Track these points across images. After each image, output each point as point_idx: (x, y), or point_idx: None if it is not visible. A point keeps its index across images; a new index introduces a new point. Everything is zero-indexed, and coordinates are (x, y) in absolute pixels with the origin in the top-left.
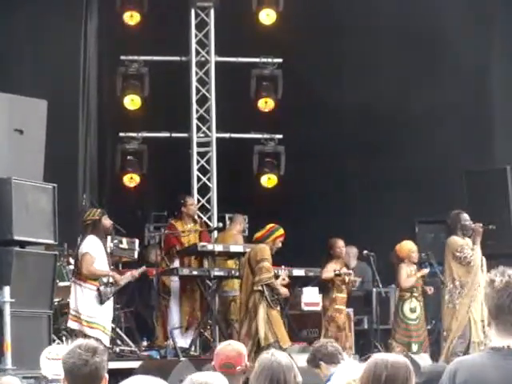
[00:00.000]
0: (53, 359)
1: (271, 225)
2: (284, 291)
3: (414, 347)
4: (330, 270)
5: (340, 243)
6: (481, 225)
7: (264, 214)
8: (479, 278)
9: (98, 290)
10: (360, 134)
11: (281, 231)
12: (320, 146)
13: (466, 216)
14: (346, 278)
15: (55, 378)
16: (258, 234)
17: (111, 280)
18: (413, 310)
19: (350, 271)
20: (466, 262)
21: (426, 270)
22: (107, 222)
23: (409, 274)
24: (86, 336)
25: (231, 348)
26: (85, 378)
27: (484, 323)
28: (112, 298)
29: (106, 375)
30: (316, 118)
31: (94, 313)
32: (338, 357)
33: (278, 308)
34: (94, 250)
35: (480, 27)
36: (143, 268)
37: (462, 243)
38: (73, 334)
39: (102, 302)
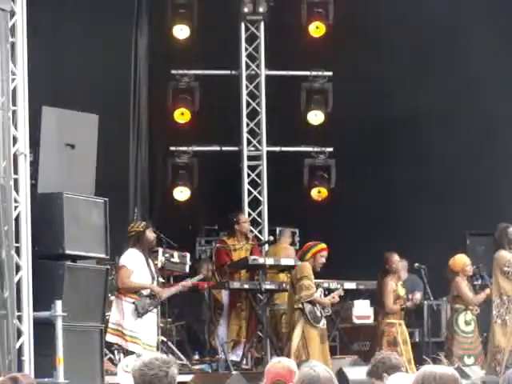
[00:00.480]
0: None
1: (310, 242)
2: (326, 301)
3: (468, 360)
4: (390, 297)
5: (395, 258)
6: None
7: (315, 227)
8: None
9: (134, 303)
10: (411, 145)
11: (319, 246)
12: (370, 158)
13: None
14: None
15: None
16: (296, 254)
17: (152, 293)
18: (468, 323)
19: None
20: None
21: (487, 291)
22: (151, 234)
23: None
24: (126, 351)
25: (281, 365)
26: None
27: None
28: (156, 312)
29: None
30: (365, 130)
31: (134, 327)
32: (401, 369)
33: (322, 324)
34: (132, 263)
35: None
36: (198, 277)
37: (510, 258)
38: (112, 347)
39: (139, 315)
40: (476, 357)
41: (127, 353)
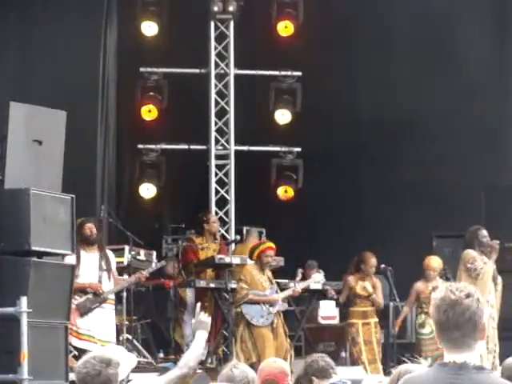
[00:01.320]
0: None
1: (258, 241)
2: (272, 298)
3: (425, 362)
4: (346, 288)
5: (373, 262)
6: (498, 242)
7: (282, 226)
8: (487, 294)
9: (76, 304)
10: (378, 146)
11: (264, 246)
12: (338, 158)
13: (484, 232)
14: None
15: None
16: (247, 253)
17: (100, 291)
18: (421, 325)
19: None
20: (475, 274)
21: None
22: (87, 231)
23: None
24: (73, 346)
25: (276, 365)
26: None
27: (488, 339)
28: (112, 307)
29: None
30: (334, 130)
31: (82, 323)
32: (329, 372)
33: (267, 321)
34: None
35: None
36: (156, 266)
37: (476, 255)
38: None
39: (81, 314)
40: (434, 358)
41: (75, 349)
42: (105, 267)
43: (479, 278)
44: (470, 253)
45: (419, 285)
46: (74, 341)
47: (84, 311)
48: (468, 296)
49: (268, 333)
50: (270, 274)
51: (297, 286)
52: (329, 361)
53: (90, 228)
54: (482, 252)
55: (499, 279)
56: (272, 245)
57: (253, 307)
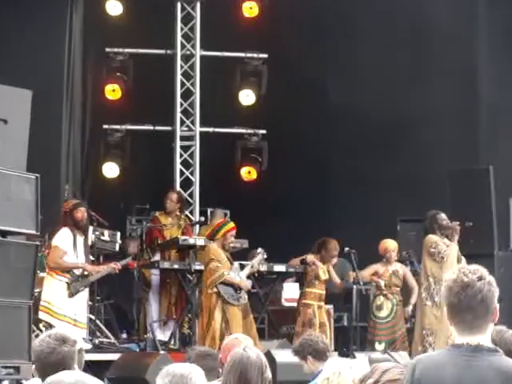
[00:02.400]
0: None
1: (220, 221)
2: (244, 284)
3: (379, 346)
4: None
5: (335, 252)
6: (458, 223)
7: (246, 209)
8: None
9: (68, 283)
10: (344, 131)
11: (229, 225)
12: (304, 142)
13: (442, 216)
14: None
15: None
16: (207, 233)
17: (85, 272)
18: (379, 308)
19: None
20: (440, 258)
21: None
22: (78, 214)
23: (375, 272)
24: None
25: (238, 341)
26: (52, 366)
27: None
28: (87, 291)
29: (76, 367)
30: (300, 113)
31: (64, 305)
32: (326, 355)
33: (241, 300)
34: (65, 243)
35: (468, 27)
36: (127, 260)
37: (437, 239)
38: (40, 324)
39: (70, 295)
40: (389, 343)
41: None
42: (88, 250)
43: (444, 261)
44: (431, 237)
45: (379, 266)
46: (53, 321)
47: (74, 292)
48: (480, 279)
49: (239, 313)
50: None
51: (256, 261)
52: (326, 343)
53: (82, 212)
54: (442, 235)
55: (463, 260)
56: (234, 225)
57: (227, 287)
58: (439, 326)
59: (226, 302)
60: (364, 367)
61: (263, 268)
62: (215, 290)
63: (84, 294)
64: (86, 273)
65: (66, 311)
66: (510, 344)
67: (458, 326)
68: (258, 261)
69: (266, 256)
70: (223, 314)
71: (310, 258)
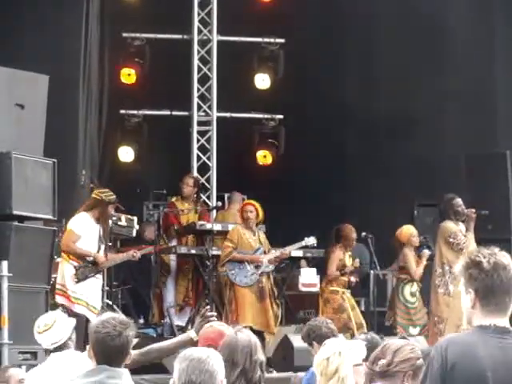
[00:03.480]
0: (44, 331)
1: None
2: (247, 257)
3: (413, 330)
4: (334, 264)
5: (354, 235)
6: (473, 210)
7: (263, 193)
8: None
9: (76, 268)
10: (361, 117)
11: (244, 202)
12: (321, 127)
13: (459, 201)
14: (352, 278)
15: (55, 347)
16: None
17: (105, 264)
18: (413, 294)
19: (355, 266)
20: (458, 249)
21: (426, 252)
22: (112, 210)
23: (416, 261)
24: (71, 312)
25: (212, 330)
26: (116, 350)
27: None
28: (100, 276)
29: (131, 352)
30: (317, 99)
31: (77, 289)
32: (331, 338)
33: (252, 282)
34: (80, 228)
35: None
36: (148, 249)
37: (456, 229)
38: (57, 309)
39: (78, 280)
40: (421, 327)
41: (72, 314)
42: (103, 240)
43: (462, 252)
44: (450, 226)
45: (410, 253)
46: (70, 305)
47: (81, 278)
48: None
49: (250, 294)
50: (262, 235)
51: (286, 249)
52: (332, 328)
53: (113, 211)
54: (458, 220)
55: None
56: (250, 201)
57: (237, 266)
58: (450, 314)
59: (232, 283)
60: (362, 349)
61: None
62: (224, 268)
63: (97, 280)
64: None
65: (82, 295)
66: None
67: (488, 307)
68: (294, 247)
69: (314, 243)
70: (234, 295)
71: (348, 269)
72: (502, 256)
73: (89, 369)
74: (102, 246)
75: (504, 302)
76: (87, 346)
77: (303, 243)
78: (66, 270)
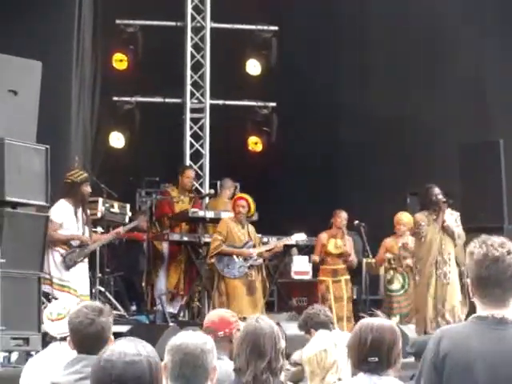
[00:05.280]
0: (57, 320)
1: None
2: (243, 252)
3: (394, 319)
4: (316, 249)
5: (343, 214)
6: (443, 200)
7: (256, 181)
8: (435, 254)
9: (63, 256)
10: (353, 104)
11: (236, 195)
12: (312, 114)
13: (435, 190)
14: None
15: (63, 337)
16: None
17: (89, 243)
18: (390, 282)
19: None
20: (419, 238)
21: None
22: (87, 189)
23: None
24: (54, 299)
25: (215, 314)
26: (91, 337)
27: (436, 301)
28: (86, 261)
29: (112, 337)
30: (309, 86)
31: (63, 276)
32: (329, 326)
33: (241, 274)
34: (60, 216)
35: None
36: (133, 223)
37: (420, 219)
38: (47, 297)
39: (67, 267)
40: (402, 316)
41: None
42: (85, 221)
43: (422, 241)
44: (416, 217)
45: (389, 240)
46: (55, 292)
47: (71, 264)
48: (510, 253)
49: (240, 286)
50: (252, 228)
51: (279, 242)
52: (330, 315)
53: (89, 187)
54: (434, 211)
55: (457, 234)
56: (242, 195)
57: (225, 259)
58: (416, 303)
59: (221, 275)
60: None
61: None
62: (213, 260)
63: (84, 266)
64: (82, 243)
65: (68, 282)
66: None
67: (484, 299)
68: (281, 242)
69: (304, 239)
70: (224, 286)
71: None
72: (499, 247)
73: (69, 359)
74: (87, 229)
75: (494, 295)
76: (67, 338)
77: (293, 239)
78: (50, 258)
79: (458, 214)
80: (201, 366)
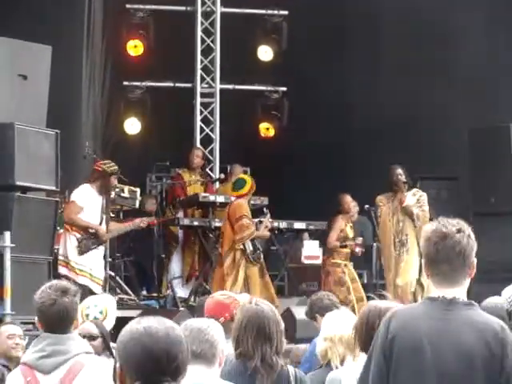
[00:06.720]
0: (89, 321)
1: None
2: (267, 234)
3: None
4: (335, 233)
5: (348, 198)
6: (404, 181)
7: (266, 166)
8: (390, 235)
9: (78, 240)
10: (364, 90)
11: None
12: (324, 100)
13: (397, 171)
14: (357, 249)
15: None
16: (241, 192)
17: (105, 238)
18: None
19: (357, 241)
20: (377, 221)
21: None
22: (115, 181)
23: None
24: (76, 283)
25: (212, 300)
26: (53, 317)
27: (394, 282)
28: (102, 248)
29: (77, 316)
30: (321, 71)
31: (80, 260)
32: (333, 310)
33: (261, 261)
34: (83, 200)
35: None
36: (150, 218)
37: (379, 200)
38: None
39: (80, 252)
40: None
41: (76, 284)
42: (105, 211)
43: (378, 222)
44: (377, 198)
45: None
46: (73, 276)
47: (85, 250)
48: (459, 231)
49: (256, 271)
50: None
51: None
52: (333, 299)
53: (115, 181)
54: (397, 191)
55: (416, 215)
56: (243, 176)
57: (253, 246)
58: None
59: (249, 262)
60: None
61: (283, 225)
62: (242, 246)
63: (99, 251)
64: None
65: (84, 266)
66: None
67: (435, 277)
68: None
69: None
70: (245, 274)
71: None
72: (450, 225)
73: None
74: (105, 217)
75: (443, 272)
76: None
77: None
78: (68, 241)
79: (425, 194)
80: (208, 341)
